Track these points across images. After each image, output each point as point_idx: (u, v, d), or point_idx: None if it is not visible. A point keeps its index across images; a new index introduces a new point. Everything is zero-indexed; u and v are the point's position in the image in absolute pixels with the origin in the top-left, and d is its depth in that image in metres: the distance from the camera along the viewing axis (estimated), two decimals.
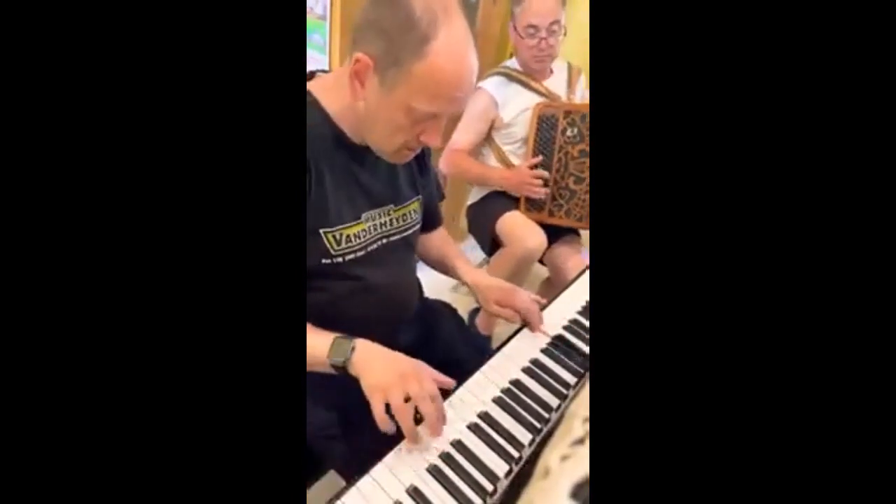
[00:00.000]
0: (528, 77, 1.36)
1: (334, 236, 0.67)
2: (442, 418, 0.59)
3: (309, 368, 0.64)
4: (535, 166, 1.32)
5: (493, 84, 1.36)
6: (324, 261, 0.67)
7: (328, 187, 0.65)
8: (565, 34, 1.30)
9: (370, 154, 0.69)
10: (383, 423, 0.58)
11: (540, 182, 1.30)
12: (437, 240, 0.94)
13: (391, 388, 0.58)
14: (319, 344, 0.63)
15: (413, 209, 0.78)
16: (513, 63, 1.40)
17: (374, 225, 0.72)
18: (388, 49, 0.57)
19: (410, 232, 0.79)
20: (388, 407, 0.58)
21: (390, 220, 0.75)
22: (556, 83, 1.41)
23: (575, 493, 0.27)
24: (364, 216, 0.70)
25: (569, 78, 1.44)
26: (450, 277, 0.94)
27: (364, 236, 0.70)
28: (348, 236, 0.68)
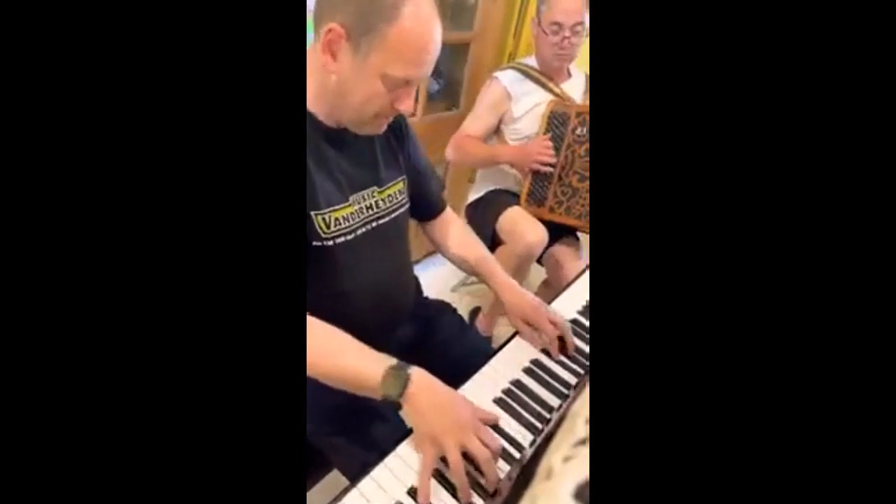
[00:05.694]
0: (545, 76, 1.38)
1: (324, 219, 0.67)
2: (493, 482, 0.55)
3: (354, 391, 0.60)
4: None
5: (508, 77, 1.37)
6: (314, 243, 0.67)
7: (311, 172, 0.66)
8: (587, 36, 1.32)
9: (347, 136, 0.69)
10: (425, 490, 0.53)
11: (550, 151, 1.29)
12: (450, 226, 0.91)
13: (447, 440, 0.54)
14: (371, 369, 0.58)
15: (398, 189, 0.78)
16: (530, 61, 1.41)
17: (362, 208, 0.72)
18: (361, 16, 0.58)
19: (398, 213, 0.78)
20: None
21: (376, 202, 0.74)
22: (572, 88, 1.42)
23: (578, 494, 0.27)
24: (351, 199, 0.71)
25: (586, 86, 1.46)
26: (469, 275, 0.91)
27: (353, 219, 0.71)
28: (337, 219, 0.68)
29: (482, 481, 0.55)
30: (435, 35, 0.61)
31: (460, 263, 0.91)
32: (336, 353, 0.60)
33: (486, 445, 0.55)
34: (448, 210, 0.93)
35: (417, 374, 0.59)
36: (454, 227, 0.92)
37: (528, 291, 0.82)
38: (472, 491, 0.54)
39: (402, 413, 0.59)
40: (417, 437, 0.57)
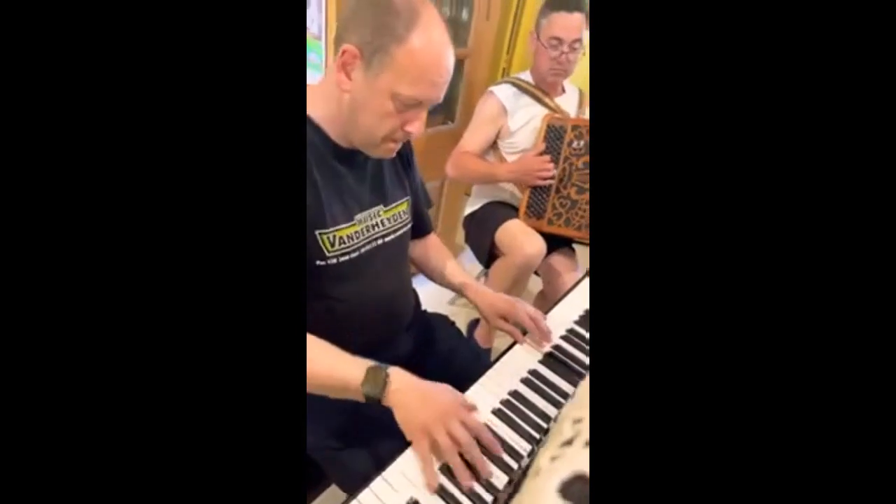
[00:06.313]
0: (540, 91, 1.40)
1: (328, 238, 0.68)
2: (496, 450, 0.59)
3: (339, 395, 0.63)
4: (539, 154, 1.33)
5: (504, 91, 1.40)
6: (318, 262, 0.68)
7: (320, 190, 0.67)
8: (584, 53, 1.36)
9: (357, 157, 0.72)
10: (431, 478, 0.55)
11: (549, 166, 1.31)
12: (433, 249, 0.95)
13: (435, 429, 0.57)
14: (352, 371, 0.61)
15: (402, 209, 0.80)
16: (525, 76, 1.44)
17: (367, 227, 0.74)
18: (373, 37, 0.61)
19: (402, 232, 0.80)
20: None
21: (381, 220, 0.76)
22: (566, 102, 1.45)
23: (563, 490, 0.27)
24: (357, 217, 0.72)
25: (579, 102, 1.49)
26: (448, 289, 0.95)
27: (357, 238, 0.72)
28: (342, 237, 0.70)
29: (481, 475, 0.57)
30: (446, 58, 0.63)
31: (440, 279, 0.94)
32: (315, 360, 0.61)
33: (469, 427, 0.58)
34: (434, 235, 0.97)
35: (395, 371, 0.62)
36: (436, 247, 0.96)
37: (501, 294, 0.86)
38: (470, 474, 0.56)
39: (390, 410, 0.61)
40: (408, 432, 0.59)
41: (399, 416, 0.60)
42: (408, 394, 0.60)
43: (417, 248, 0.95)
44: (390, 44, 0.60)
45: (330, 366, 0.62)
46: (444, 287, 0.95)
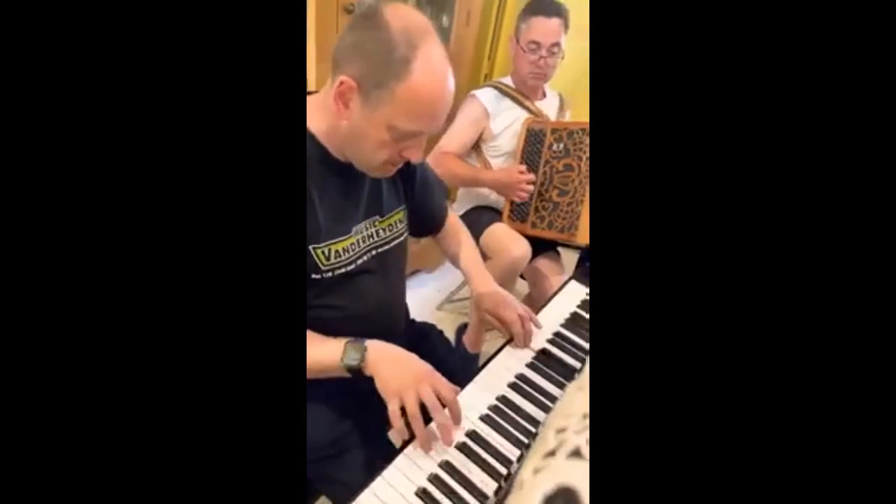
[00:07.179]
0: (521, 95, 1.42)
1: (323, 252, 0.68)
2: (457, 421, 0.63)
3: (322, 375, 0.66)
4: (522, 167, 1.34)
5: (486, 95, 1.41)
6: (313, 276, 0.68)
7: (316, 204, 0.66)
8: (563, 58, 1.38)
9: (353, 168, 0.71)
10: (400, 430, 0.60)
11: (530, 188, 1.32)
12: (447, 238, 0.96)
13: (406, 392, 0.61)
14: (331, 349, 0.66)
15: (398, 219, 0.80)
16: (507, 80, 1.45)
17: (363, 237, 0.73)
18: (371, 71, 0.59)
19: (397, 242, 0.80)
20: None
21: (376, 230, 0.76)
22: (546, 107, 1.47)
23: None
24: (354, 230, 0.72)
25: (560, 106, 1.51)
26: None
27: (353, 250, 0.72)
28: (337, 251, 0.69)
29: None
30: (446, 91, 0.62)
31: (449, 256, 0.96)
32: None
33: (441, 395, 0.62)
34: (452, 215, 0.97)
35: (373, 343, 0.66)
36: (452, 234, 0.96)
37: (499, 287, 0.87)
38: (430, 442, 0.61)
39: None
40: (384, 395, 0.63)
41: (378, 384, 0.64)
42: (385, 360, 0.65)
43: (443, 239, 0.96)
44: (389, 79, 0.58)
45: (311, 346, 0.65)
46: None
